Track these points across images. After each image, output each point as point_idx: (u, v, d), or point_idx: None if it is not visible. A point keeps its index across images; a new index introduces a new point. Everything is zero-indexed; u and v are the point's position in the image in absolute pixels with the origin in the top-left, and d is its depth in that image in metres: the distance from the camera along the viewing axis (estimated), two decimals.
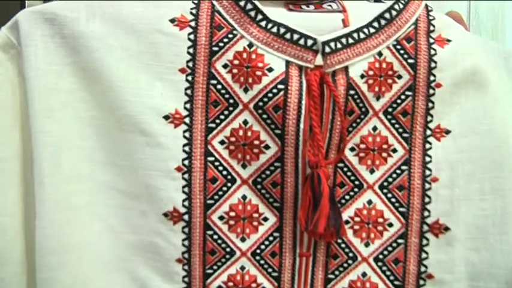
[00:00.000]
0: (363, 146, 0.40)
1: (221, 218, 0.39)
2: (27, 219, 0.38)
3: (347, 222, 0.40)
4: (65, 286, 0.37)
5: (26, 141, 0.37)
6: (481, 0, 1.76)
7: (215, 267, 0.39)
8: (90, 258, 0.38)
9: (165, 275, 0.39)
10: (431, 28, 0.41)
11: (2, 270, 0.38)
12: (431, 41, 0.40)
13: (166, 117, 0.37)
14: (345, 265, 0.40)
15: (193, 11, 0.38)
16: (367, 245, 0.40)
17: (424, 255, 0.40)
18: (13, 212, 0.38)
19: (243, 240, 0.39)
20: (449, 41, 0.41)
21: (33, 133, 0.36)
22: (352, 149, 0.40)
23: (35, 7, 0.38)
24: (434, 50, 0.40)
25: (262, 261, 0.39)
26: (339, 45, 0.38)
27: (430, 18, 0.41)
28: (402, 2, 0.40)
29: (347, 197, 0.40)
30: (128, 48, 0.37)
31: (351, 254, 0.40)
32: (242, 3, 0.38)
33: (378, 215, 0.40)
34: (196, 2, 0.39)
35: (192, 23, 0.38)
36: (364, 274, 0.40)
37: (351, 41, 0.38)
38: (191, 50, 0.38)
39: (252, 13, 0.38)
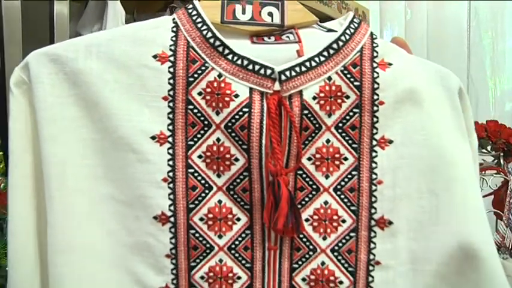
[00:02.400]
0: (318, 155, 0.47)
1: (201, 219, 0.47)
2: (39, 225, 0.46)
3: (307, 220, 0.47)
4: (72, 280, 0.45)
5: (38, 162, 0.45)
6: (481, 0, 1.81)
7: (198, 260, 0.47)
8: (93, 257, 0.46)
9: (157, 269, 0.47)
10: (375, 54, 0.48)
11: (21, 269, 0.46)
12: (375, 65, 0.48)
13: (153, 138, 0.45)
14: (307, 256, 0.48)
15: (172, 48, 0.46)
16: (324, 238, 0.48)
17: (372, 245, 0.48)
18: (29, 219, 0.46)
19: (220, 237, 0.47)
20: (390, 64, 0.48)
21: (43, 155, 0.45)
22: (309, 159, 0.47)
23: (41, 49, 0.46)
24: (377, 73, 0.47)
25: (237, 255, 0.47)
26: (293, 73, 0.45)
27: (374, 45, 0.48)
28: (348, 33, 0.48)
29: (306, 199, 0.47)
30: (119, 81, 0.45)
31: (311, 247, 0.47)
32: (212, 41, 0.46)
33: (333, 213, 0.47)
34: (174, 39, 0.46)
35: (171, 58, 0.46)
36: (323, 263, 0.48)
37: (303, 69, 0.45)
38: (171, 81, 0.45)
39: (220, 48, 0.45)
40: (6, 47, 0.70)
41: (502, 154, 1.25)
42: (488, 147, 1.28)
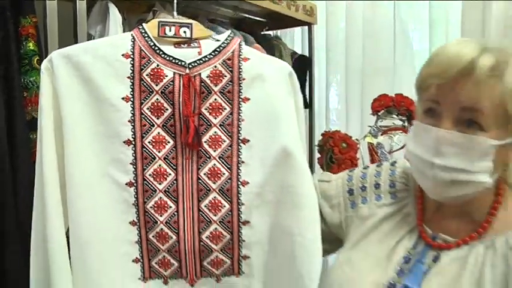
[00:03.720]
0: (210, 107, 0.90)
1: (149, 142, 0.88)
2: (59, 154, 0.86)
3: (205, 141, 0.90)
4: (79, 177, 0.85)
5: (57, 115, 0.84)
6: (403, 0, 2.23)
7: (147, 166, 0.88)
8: (88, 167, 0.85)
9: (124, 172, 0.88)
10: (241, 54, 0.91)
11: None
12: (240, 59, 0.91)
13: (122, 98, 0.86)
14: (205, 161, 0.91)
15: (131, 50, 0.87)
16: (214, 151, 0.91)
17: (239, 153, 0.90)
18: (53, 150, 0.85)
19: (159, 151, 0.89)
20: (249, 59, 0.91)
21: (61, 109, 0.83)
22: (205, 109, 0.90)
23: (58, 50, 0.85)
24: (241, 64, 0.91)
25: (168, 161, 0.89)
26: (195, 64, 0.87)
27: (241, 49, 0.91)
28: (226, 42, 0.90)
29: (204, 130, 0.90)
30: (103, 68, 0.85)
31: (207, 155, 0.91)
32: (152, 46, 0.87)
33: (219, 138, 0.90)
34: (132, 45, 0.87)
35: (131, 55, 0.86)
36: (214, 164, 0.91)
37: (201, 61, 0.88)
38: (131, 68, 0.86)
39: (157, 50, 0.87)
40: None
41: (405, 118, 1.74)
42: (395, 114, 1.76)
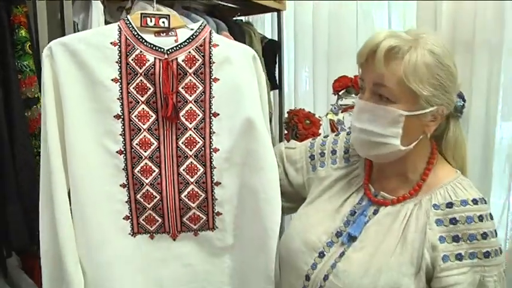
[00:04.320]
0: (186, 86, 1.06)
1: (135, 116, 1.04)
2: (60, 128, 1.02)
3: (182, 115, 1.07)
4: (77, 146, 1.02)
5: (57, 97, 0.99)
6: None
7: (134, 136, 1.04)
8: (83, 138, 1.02)
9: (115, 142, 1.04)
10: (211, 41, 1.07)
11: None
12: (211, 45, 1.07)
13: (112, 79, 1.02)
14: (183, 132, 1.08)
15: (118, 38, 1.02)
16: (190, 123, 1.07)
17: (211, 125, 1.07)
18: (55, 125, 1.01)
19: (143, 124, 1.05)
20: (218, 45, 1.08)
21: (61, 91, 0.99)
22: (182, 88, 1.06)
23: (57, 39, 1.00)
24: (212, 49, 1.07)
25: (151, 133, 1.06)
26: (172, 50, 1.04)
27: (212, 36, 1.08)
28: (198, 31, 1.07)
29: (181, 106, 1.07)
30: (94, 54, 1.01)
31: (184, 127, 1.07)
32: (136, 35, 1.03)
33: (193, 112, 1.07)
34: (119, 35, 1.03)
35: (118, 43, 1.02)
36: (190, 135, 1.08)
37: (177, 48, 1.04)
38: (118, 54, 1.02)
39: (140, 39, 1.03)
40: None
41: None
42: (354, 93, 1.94)
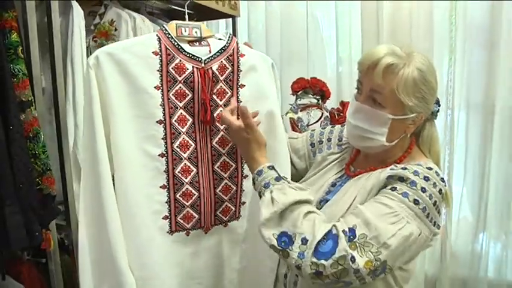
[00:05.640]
0: (217, 92, 1.16)
1: (175, 121, 1.12)
2: (106, 133, 1.06)
3: (215, 119, 1.17)
4: (123, 149, 1.07)
5: (104, 101, 1.04)
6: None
7: (174, 139, 1.12)
8: (127, 141, 1.07)
9: (157, 146, 1.10)
10: (239, 51, 1.19)
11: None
12: (238, 55, 1.18)
13: (155, 87, 1.09)
14: (216, 133, 1.18)
15: (158, 48, 1.09)
16: (221, 125, 1.18)
17: None
18: (102, 129, 1.05)
19: (182, 127, 1.13)
20: (244, 55, 1.19)
21: (108, 96, 1.04)
22: (214, 93, 1.16)
23: (102, 48, 1.04)
24: (239, 58, 1.18)
25: (189, 135, 1.14)
26: (208, 60, 1.13)
27: (239, 46, 1.19)
28: (228, 41, 1.17)
29: (213, 109, 1.16)
30: (138, 62, 1.06)
31: (217, 129, 1.18)
32: (176, 45, 1.10)
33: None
34: (159, 44, 1.09)
35: (159, 52, 1.09)
36: (222, 135, 1.18)
37: (212, 58, 1.14)
38: (160, 63, 1.09)
39: (180, 48, 1.11)
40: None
41: (319, 97, 2.09)
42: (311, 94, 2.10)
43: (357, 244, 0.93)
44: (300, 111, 2.09)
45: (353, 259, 0.91)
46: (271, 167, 1.08)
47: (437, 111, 1.19)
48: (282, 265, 1.23)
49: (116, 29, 1.66)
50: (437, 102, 1.17)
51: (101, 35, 1.65)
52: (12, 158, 1.20)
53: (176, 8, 1.98)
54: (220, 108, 1.18)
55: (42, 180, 1.30)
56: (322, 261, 0.92)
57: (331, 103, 2.18)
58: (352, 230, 0.95)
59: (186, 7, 1.19)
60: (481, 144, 2.34)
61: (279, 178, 1.05)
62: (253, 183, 1.09)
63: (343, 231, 0.95)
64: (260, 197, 1.04)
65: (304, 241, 0.95)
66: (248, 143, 1.12)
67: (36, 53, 1.31)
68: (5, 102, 1.21)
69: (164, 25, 1.11)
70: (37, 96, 1.31)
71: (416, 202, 0.99)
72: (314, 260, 0.92)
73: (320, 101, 2.08)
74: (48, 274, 1.46)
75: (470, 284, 2.44)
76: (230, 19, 2.36)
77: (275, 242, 0.97)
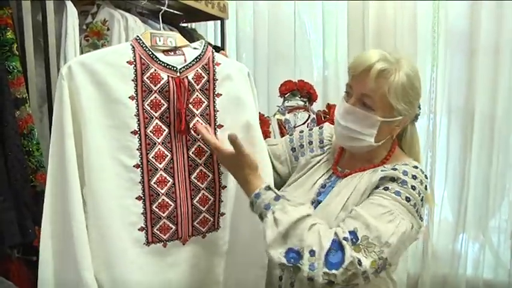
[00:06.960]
0: (193, 101, 1.16)
1: (150, 131, 1.11)
2: (77, 143, 1.05)
3: (191, 128, 1.16)
4: (95, 160, 1.06)
5: (75, 110, 1.03)
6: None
7: (149, 150, 1.11)
8: (100, 152, 1.06)
9: (131, 157, 1.08)
10: (214, 59, 1.18)
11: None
12: (214, 64, 1.18)
13: (129, 97, 1.08)
14: (193, 143, 1.17)
15: (133, 58, 1.08)
16: (198, 134, 1.17)
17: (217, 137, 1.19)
18: (72, 137, 1.04)
19: (158, 137, 1.12)
20: (220, 63, 1.19)
21: (80, 106, 1.03)
22: (190, 103, 1.16)
23: (75, 58, 1.03)
24: (215, 67, 1.18)
25: (165, 145, 1.13)
26: (183, 69, 1.13)
27: (214, 55, 1.19)
28: (203, 50, 1.17)
29: (189, 119, 1.15)
30: (112, 72, 1.05)
31: (193, 139, 1.16)
32: (151, 55, 1.09)
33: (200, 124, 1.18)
34: (133, 53, 1.08)
35: (133, 62, 1.08)
36: (199, 146, 1.17)
37: (187, 67, 1.13)
38: (134, 72, 1.08)
39: (154, 58, 1.10)
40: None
41: (306, 100, 2.12)
42: (298, 96, 2.12)
43: (361, 246, 0.99)
44: (288, 113, 2.12)
45: (360, 262, 0.97)
46: (268, 188, 1.09)
47: (419, 114, 1.25)
48: (274, 267, 1.22)
49: (108, 29, 1.65)
50: (419, 106, 1.23)
51: (93, 34, 1.64)
52: (6, 155, 1.21)
53: (168, 9, 1.98)
54: (197, 118, 1.17)
55: (36, 177, 1.30)
56: (334, 271, 0.96)
57: (318, 105, 2.23)
58: (353, 233, 1.00)
59: (160, 16, 1.17)
60: (462, 147, 2.41)
61: (277, 198, 1.07)
62: (251, 205, 1.10)
63: (345, 238, 0.99)
64: (262, 218, 1.06)
65: (313, 253, 0.98)
66: (241, 169, 1.12)
67: (31, 51, 1.31)
68: (1, 99, 1.22)
69: (138, 35, 1.11)
70: (31, 93, 1.32)
71: (408, 199, 1.07)
72: (325, 270, 0.97)
73: (307, 103, 2.13)
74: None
75: (449, 282, 2.53)
76: (219, 21, 2.37)
77: (284, 260, 1.00)
